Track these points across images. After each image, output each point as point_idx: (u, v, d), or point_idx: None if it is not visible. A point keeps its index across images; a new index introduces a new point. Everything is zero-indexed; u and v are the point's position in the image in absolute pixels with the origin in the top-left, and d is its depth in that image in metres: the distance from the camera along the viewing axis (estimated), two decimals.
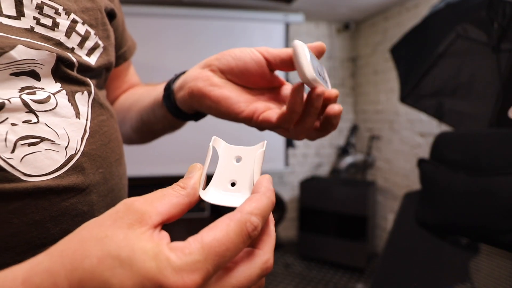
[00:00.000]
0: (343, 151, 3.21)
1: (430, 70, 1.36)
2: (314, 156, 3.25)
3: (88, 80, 0.35)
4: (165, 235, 0.22)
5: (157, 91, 0.47)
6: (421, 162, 1.20)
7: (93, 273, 0.20)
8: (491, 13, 1.11)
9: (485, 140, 1.06)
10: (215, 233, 0.21)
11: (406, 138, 2.61)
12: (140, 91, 0.54)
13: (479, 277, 1.05)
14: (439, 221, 1.10)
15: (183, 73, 0.43)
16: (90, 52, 0.36)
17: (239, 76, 0.38)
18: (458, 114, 1.36)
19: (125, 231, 0.21)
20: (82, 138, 0.33)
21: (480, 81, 1.26)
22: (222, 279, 0.22)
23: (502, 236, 0.90)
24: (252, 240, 0.23)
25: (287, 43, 2.79)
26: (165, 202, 0.23)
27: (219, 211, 2.59)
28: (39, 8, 0.31)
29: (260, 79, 0.38)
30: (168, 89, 0.44)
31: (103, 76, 0.41)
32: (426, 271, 1.15)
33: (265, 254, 0.24)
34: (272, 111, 0.36)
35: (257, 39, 2.71)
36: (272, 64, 0.38)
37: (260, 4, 2.68)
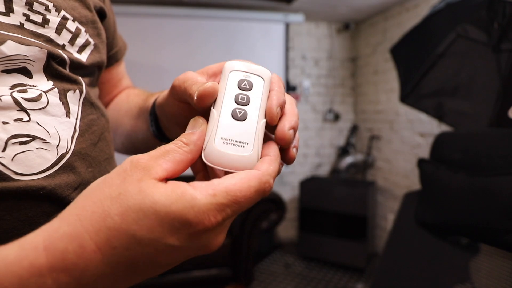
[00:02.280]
0: (343, 151, 3.21)
1: (430, 70, 1.36)
2: (314, 156, 3.25)
3: (80, 78, 0.35)
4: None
5: (144, 130, 0.45)
6: (421, 162, 1.20)
7: (118, 230, 0.21)
8: (491, 13, 1.11)
9: (485, 140, 1.06)
10: (240, 184, 0.23)
11: (406, 138, 2.61)
12: (127, 107, 0.52)
13: (479, 277, 1.05)
14: (439, 221, 1.10)
15: (156, 116, 0.42)
16: (81, 49, 0.35)
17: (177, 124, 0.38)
18: (458, 114, 1.36)
19: (137, 186, 0.22)
20: (72, 137, 0.33)
21: (480, 81, 1.26)
22: None
23: (502, 236, 0.90)
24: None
25: (287, 43, 2.79)
26: (169, 158, 0.24)
27: None
28: (29, 4, 0.30)
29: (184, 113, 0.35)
30: (160, 136, 0.43)
31: (96, 74, 0.40)
32: (426, 271, 1.15)
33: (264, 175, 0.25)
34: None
35: (257, 39, 2.71)
36: None
37: (260, 4, 2.68)
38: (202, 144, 0.26)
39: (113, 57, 0.52)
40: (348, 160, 3.09)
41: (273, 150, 0.27)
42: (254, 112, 0.28)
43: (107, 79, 0.54)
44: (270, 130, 0.30)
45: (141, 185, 0.22)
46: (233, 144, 0.27)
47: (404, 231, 1.31)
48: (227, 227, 0.25)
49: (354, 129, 3.25)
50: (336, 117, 3.24)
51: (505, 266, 0.97)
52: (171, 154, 0.24)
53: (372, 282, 1.24)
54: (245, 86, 0.29)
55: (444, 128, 1.68)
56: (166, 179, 0.23)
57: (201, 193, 0.21)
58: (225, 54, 2.65)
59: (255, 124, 0.27)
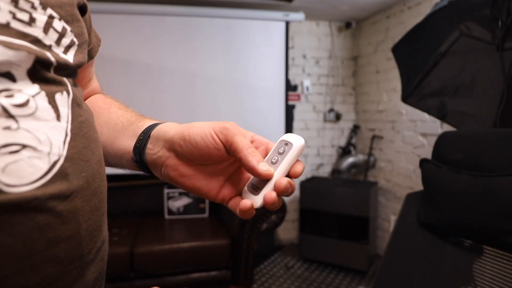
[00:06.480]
0: (344, 152, 3.19)
1: (432, 69, 1.35)
2: (315, 156, 3.23)
3: (65, 79, 0.34)
4: None
5: (124, 144, 0.46)
6: (423, 163, 1.19)
7: None
8: (495, 11, 1.09)
9: (488, 140, 1.04)
10: None
11: (408, 138, 2.59)
12: (107, 117, 0.51)
13: (483, 279, 1.03)
14: (442, 222, 1.09)
15: (148, 136, 0.44)
16: (67, 49, 0.34)
17: (202, 160, 0.42)
18: (460, 114, 1.35)
19: None
20: (64, 142, 0.31)
21: (484, 80, 1.24)
22: None
23: (505, 238, 0.89)
24: None
25: (287, 42, 2.78)
26: None
27: (218, 213, 2.58)
28: (14, 1, 0.29)
29: (220, 159, 0.42)
30: (138, 154, 0.44)
31: (77, 74, 0.39)
32: (429, 273, 1.14)
33: None
34: (243, 202, 0.40)
35: (257, 38, 2.70)
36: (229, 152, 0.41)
37: (260, 3, 2.66)
38: None
39: (88, 54, 0.49)
40: (349, 160, 3.07)
41: None
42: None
43: (80, 78, 0.52)
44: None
45: None
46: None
47: (406, 232, 1.29)
48: None
49: (355, 129, 3.23)
50: (337, 117, 3.22)
51: (510, 268, 0.96)
52: None
53: (374, 284, 1.23)
54: None
55: (447, 128, 1.66)
56: None
57: None
58: (226, 53, 2.64)
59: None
